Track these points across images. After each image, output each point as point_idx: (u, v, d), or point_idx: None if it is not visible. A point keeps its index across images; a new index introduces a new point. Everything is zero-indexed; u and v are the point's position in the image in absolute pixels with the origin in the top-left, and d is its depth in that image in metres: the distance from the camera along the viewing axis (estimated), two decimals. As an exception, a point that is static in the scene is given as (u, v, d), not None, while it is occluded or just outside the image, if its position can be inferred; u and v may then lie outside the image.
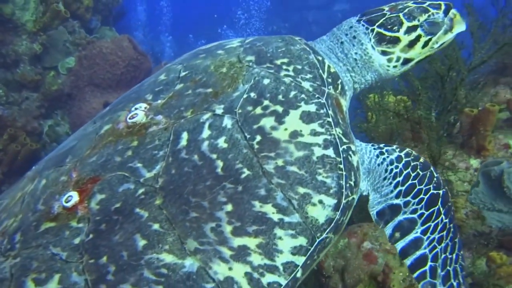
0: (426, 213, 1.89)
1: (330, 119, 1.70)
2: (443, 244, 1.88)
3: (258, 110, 1.65)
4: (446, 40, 2.03)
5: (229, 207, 1.51)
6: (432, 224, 1.88)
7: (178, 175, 1.54)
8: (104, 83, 7.07)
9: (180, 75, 1.83)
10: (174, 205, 1.50)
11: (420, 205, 1.90)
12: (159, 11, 18.88)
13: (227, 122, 1.62)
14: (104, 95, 7.09)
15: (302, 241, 1.52)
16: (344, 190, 1.62)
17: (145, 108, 1.71)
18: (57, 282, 1.42)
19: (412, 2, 2.02)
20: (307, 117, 1.67)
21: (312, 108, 1.69)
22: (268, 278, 1.47)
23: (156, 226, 1.47)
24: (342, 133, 1.71)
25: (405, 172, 1.94)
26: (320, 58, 1.90)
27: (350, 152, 1.71)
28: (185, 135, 1.60)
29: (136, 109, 1.71)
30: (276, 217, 1.52)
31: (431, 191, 1.90)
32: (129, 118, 1.68)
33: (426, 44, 2.00)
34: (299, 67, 1.81)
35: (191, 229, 1.48)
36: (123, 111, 1.76)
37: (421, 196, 1.90)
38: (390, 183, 1.95)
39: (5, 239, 1.54)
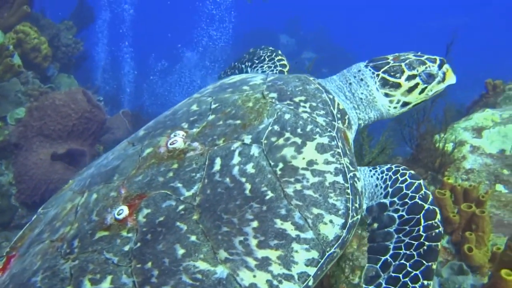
0: (406, 216, 2.02)
1: (339, 150, 1.98)
2: (408, 252, 1.91)
3: (281, 141, 1.93)
4: (439, 89, 2.37)
5: (255, 224, 1.76)
6: (408, 229, 1.98)
7: (212, 194, 1.80)
8: (54, 134, 6.87)
9: (211, 107, 2.11)
10: (208, 220, 1.76)
11: (402, 208, 2.05)
12: (119, 25, 18.42)
13: (255, 150, 1.90)
14: (53, 146, 6.88)
15: (314, 254, 1.77)
16: (350, 212, 1.88)
17: (183, 135, 1.99)
18: (109, 282, 1.66)
19: (412, 54, 2.35)
20: (321, 148, 1.95)
21: (325, 140, 1.98)
22: (285, 285, 1.70)
23: (193, 238, 1.73)
24: (349, 162, 2.00)
25: (394, 177, 2.14)
26: (331, 97, 2.20)
27: (356, 179, 1.99)
28: (218, 161, 1.88)
29: (175, 135, 1.99)
30: (294, 233, 1.77)
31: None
32: (170, 144, 1.95)
33: (422, 91, 2.34)
34: (314, 104, 2.11)
35: (222, 241, 1.73)
36: (162, 136, 2.03)
37: (406, 200, 2.06)
38: (381, 187, 2.15)
39: (64, 244, 1.79)
